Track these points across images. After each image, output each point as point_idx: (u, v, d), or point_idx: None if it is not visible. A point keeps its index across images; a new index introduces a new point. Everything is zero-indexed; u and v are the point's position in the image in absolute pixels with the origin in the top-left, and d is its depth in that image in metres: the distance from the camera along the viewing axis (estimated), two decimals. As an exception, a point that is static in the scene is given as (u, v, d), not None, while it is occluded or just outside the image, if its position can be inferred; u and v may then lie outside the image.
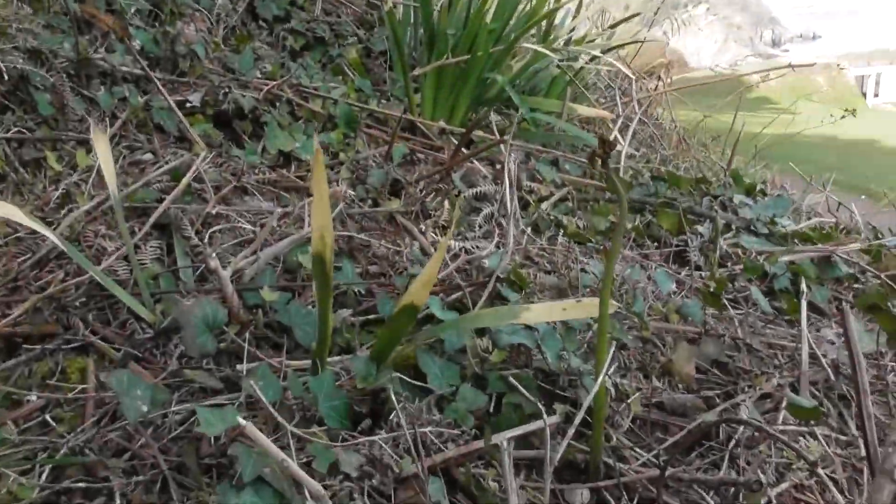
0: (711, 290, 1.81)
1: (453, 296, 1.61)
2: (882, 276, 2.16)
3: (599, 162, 0.99)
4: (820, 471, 1.03)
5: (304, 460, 1.07)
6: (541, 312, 1.31)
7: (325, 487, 1.04)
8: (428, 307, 1.47)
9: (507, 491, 0.80)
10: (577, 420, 1.08)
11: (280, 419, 1.07)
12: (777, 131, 4.26)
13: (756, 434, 1.36)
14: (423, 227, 1.92)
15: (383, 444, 1.11)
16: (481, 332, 1.44)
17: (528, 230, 2.04)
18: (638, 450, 1.32)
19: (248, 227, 1.71)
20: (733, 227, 2.34)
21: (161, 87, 2.07)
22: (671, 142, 3.62)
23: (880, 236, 2.47)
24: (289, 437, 1.07)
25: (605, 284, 1.11)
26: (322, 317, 1.20)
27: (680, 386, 1.51)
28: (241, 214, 1.75)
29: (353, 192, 1.95)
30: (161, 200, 1.68)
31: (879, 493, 0.56)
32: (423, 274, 1.18)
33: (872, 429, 0.97)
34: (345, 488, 1.05)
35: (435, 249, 1.75)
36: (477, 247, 1.82)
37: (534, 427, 1.22)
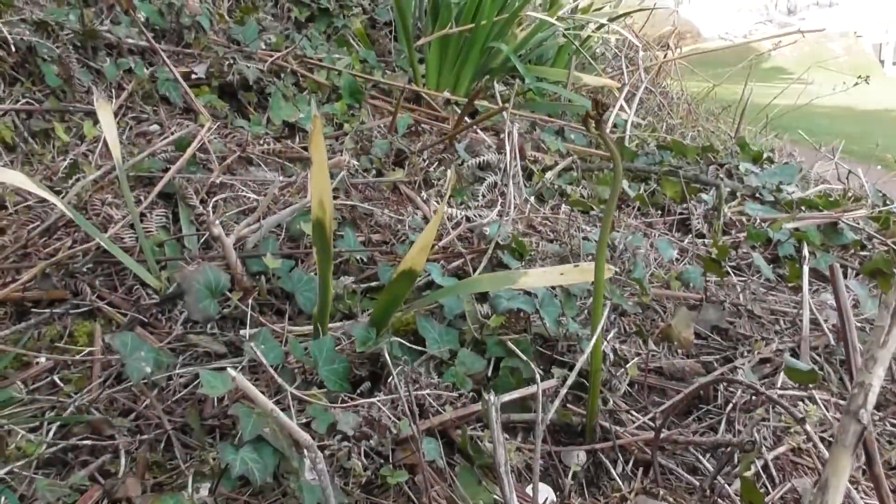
0: (713, 256, 1.81)
1: (454, 263, 1.63)
2: (889, 242, 2.15)
3: (593, 123, 1.00)
4: (808, 427, 1.04)
5: (304, 421, 1.10)
6: (538, 277, 1.32)
7: (324, 448, 1.07)
8: (428, 274, 1.49)
9: (495, 444, 0.81)
10: (570, 381, 1.10)
11: (281, 381, 1.09)
12: (790, 101, 4.20)
13: (753, 398, 1.37)
14: (425, 195, 1.93)
15: (382, 406, 1.13)
16: (481, 299, 1.45)
17: (532, 199, 2.05)
18: (634, 413, 1.33)
19: (253, 196, 1.73)
20: (738, 194, 2.32)
21: (166, 59, 2.08)
22: (679, 111, 3.58)
23: (889, 203, 2.45)
24: (289, 398, 1.10)
25: (601, 245, 1.11)
26: (323, 282, 1.22)
27: (679, 351, 1.52)
28: (245, 184, 1.76)
29: (356, 162, 1.95)
30: (167, 170, 1.70)
31: (844, 433, 0.57)
32: (420, 239, 1.19)
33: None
34: (343, 448, 1.07)
35: (438, 218, 1.76)
36: (479, 215, 1.83)
37: (531, 391, 1.23)
